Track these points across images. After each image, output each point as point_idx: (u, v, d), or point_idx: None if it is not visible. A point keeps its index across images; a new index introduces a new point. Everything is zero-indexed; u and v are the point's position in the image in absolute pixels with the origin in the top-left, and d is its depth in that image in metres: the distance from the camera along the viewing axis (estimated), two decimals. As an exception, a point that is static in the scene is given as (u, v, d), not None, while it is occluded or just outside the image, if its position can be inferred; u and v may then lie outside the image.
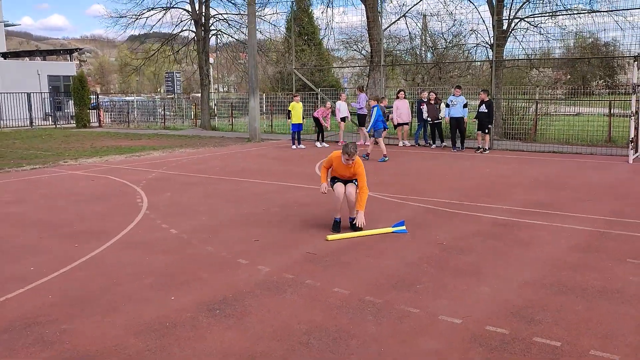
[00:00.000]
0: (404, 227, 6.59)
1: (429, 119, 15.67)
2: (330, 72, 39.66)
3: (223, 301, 4.44)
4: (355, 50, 35.29)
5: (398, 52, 28.77)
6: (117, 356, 3.55)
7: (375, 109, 13.34)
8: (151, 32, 26.15)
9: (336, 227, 6.60)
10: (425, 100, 15.86)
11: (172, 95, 37.44)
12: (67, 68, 37.42)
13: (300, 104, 16.34)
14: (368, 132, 14.72)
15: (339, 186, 6.68)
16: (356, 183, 6.66)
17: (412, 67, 27.14)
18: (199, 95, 46.42)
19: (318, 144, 16.69)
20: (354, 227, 6.55)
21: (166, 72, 40.54)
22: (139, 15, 23.96)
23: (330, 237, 6.29)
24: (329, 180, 6.80)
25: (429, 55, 28.28)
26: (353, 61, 38.43)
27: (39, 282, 4.92)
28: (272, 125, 24.09)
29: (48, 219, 7.39)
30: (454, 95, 15.05)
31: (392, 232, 6.49)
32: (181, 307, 4.32)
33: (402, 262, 5.40)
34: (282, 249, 5.91)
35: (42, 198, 8.88)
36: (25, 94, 27.91)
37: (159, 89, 77.47)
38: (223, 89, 62.54)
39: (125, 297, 4.57)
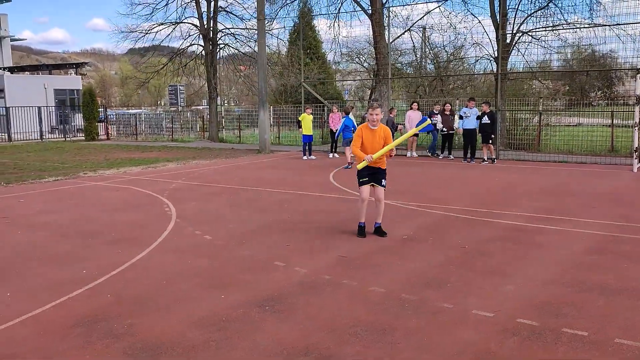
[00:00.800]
0: (428, 122, 7.22)
1: (444, 129, 16.03)
2: (333, 84, 40.17)
3: (271, 299, 4.80)
4: (357, 62, 35.90)
5: (400, 64, 29.30)
6: (183, 346, 3.91)
7: (344, 119, 14.76)
8: (160, 45, 26.68)
9: (361, 232, 6.92)
10: (437, 112, 16.29)
11: (176, 108, 37.93)
12: (73, 82, 37.93)
13: (311, 116, 16.77)
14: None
15: (365, 189, 6.89)
16: (384, 184, 6.94)
17: (415, 79, 27.63)
18: (201, 107, 47.02)
19: (331, 154, 17.11)
20: (378, 232, 6.92)
21: (170, 85, 41.10)
22: (148, 30, 24.46)
23: (360, 165, 6.72)
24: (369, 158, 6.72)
25: (429, 67, 28.82)
26: (356, 73, 39.02)
27: (93, 283, 5.28)
28: (279, 137, 24.51)
29: (85, 227, 7.75)
30: (467, 107, 15.45)
31: (420, 131, 7.13)
32: (233, 305, 4.68)
33: (429, 264, 5.77)
34: (314, 252, 6.27)
35: (73, 208, 9.24)
36: (36, 108, 28.34)
37: (160, 102, 78.12)
38: (224, 101, 63.13)
39: (178, 296, 4.92)
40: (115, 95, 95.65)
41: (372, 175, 6.92)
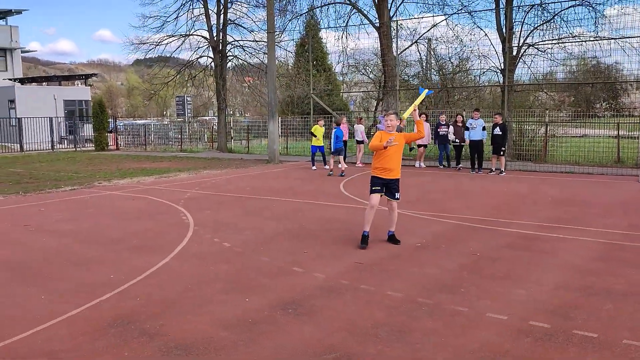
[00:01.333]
0: (425, 92, 7.82)
1: (456, 140, 16.21)
2: (339, 95, 40.53)
3: (292, 302, 5.03)
4: (364, 74, 36.29)
5: (407, 75, 29.63)
6: (213, 346, 4.14)
7: (335, 130, 15.75)
8: (167, 56, 27.11)
9: (364, 241, 6.97)
10: (443, 122, 16.53)
11: (183, 119, 38.36)
12: (82, 93, 38.42)
13: (323, 128, 17.02)
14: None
15: (375, 197, 6.99)
16: (397, 197, 7.12)
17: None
18: (207, 118, 47.48)
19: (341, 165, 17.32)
20: (392, 240, 7.15)
21: (177, 96, 41.59)
22: (158, 42, 24.88)
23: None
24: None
25: (435, 78, 29.11)
26: (362, 84, 39.38)
27: (122, 287, 5.52)
28: (287, 147, 24.80)
29: (107, 234, 8.01)
30: (472, 118, 15.69)
31: (425, 97, 7.83)
32: (257, 307, 4.91)
33: (443, 270, 5.99)
34: (330, 259, 6.51)
35: (92, 216, 9.51)
36: (48, 119, 28.77)
37: (166, 112, 78.79)
38: (230, 111, 63.64)
39: (204, 299, 5.16)
40: (121, 106, 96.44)
41: (386, 186, 7.04)
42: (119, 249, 7.14)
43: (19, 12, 43.17)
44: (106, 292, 5.35)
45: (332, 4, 22.24)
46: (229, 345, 4.16)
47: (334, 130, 15.93)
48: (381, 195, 7.07)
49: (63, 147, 29.67)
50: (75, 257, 6.75)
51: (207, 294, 5.30)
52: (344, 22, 22.34)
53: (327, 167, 16.55)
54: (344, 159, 17.47)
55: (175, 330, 4.44)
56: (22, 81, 39.49)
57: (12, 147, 28.21)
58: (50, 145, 28.44)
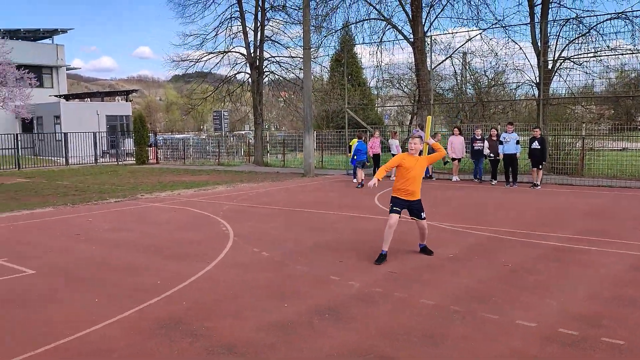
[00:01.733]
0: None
1: (491, 155, 16.18)
2: (373, 109, 40.78)
3: (329, 308, 5.29)
4: (398, 88, 36.50)
5: (441, 89, 29.70)
6: (256, 347, 4.43)
7: (357, 144, 16.45)
8: (204, 72, 27.90)
9: (381, 259, 6.98)
10: (478, 137, 16.58)
11: (220, 133, 39.21)
12: (123, 108, 39.74)
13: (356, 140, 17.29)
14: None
15: (395, 217, 7.05)
16: (424, 217, 7.24)
17: (456, 104, 27.93)
18: (243, 132, 48.30)
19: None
20: (425, 252, 7.35)
21: (214, 111, 42.59)
22: (198, 59, 25.67)
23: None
24: (380, 180, 6.93)
25: (470, 92, 29.07)
26: (396, 98, 39.59)
27: (168, 292, 5.88)
28: (322, 161, 25.14)
29: (152, 243, 8.43)
30: (506, 132, 15.71)
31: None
32: (296, 313, 5.19)
33: (475, 280, 6.16)
34: (365, 268, 6.74)
35: (137, 226, 9.98)
36: (92, 134, 29.89)
37: (202, 127, 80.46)
38: (266, 125, 64.56)
39: (246, 304, 5.46)
40: (160, 121, 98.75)
41: (409, 208, 7.17)
42: (164, 257, 7.53)
43: (64, 31, 45.03)
44: (154, 297, 5.71)
45: (367, 20, 22.60)
46: (271, 346, 4.43)
47: (355, 144, 16.53)
48: (400, 216, 7.11)
49: (105, 161, 30.74)
50: (124, 264, 7.17)
51: (248, 300, 5.60)
52: (378, 37, 22.65)
53: (354, 180, 16.85)
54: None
55: (219, 332, 4.74)
56: (67, 97, 41.10)
57: (58, 161, 29.38)
58: (93, 159, 29.50)
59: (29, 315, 5.26)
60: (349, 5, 22.64)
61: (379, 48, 22.10)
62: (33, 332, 4.81)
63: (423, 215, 7.26)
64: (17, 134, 27.39)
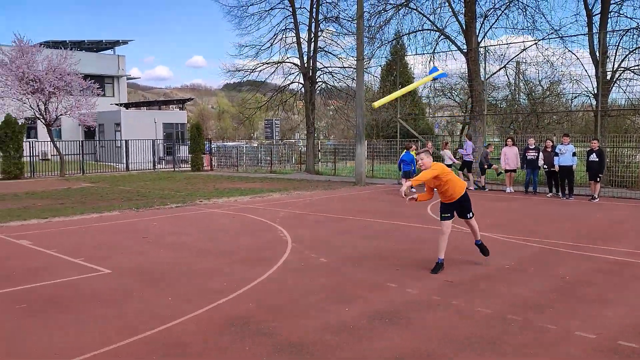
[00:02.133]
0: (441, 71, 7.40)
1: (545, 166, 15.99)
2: (424, 119, 40.63)
3: (389, 313, 5.51)
4: (449, 97, 36.32)
5: (494, 99, 29.40)
6: (321, 346, 4.70)
7: (404, 154, 16.79)
8: (256, 81, 28.64)
9: (438, 268, 7.09)
10: (532, 146, 16.41)
11: (271, 141, 39.96)
12: (179, 116, 41.12)
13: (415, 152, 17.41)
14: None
15: (448, 224, 7.19)
16: (470, 216, 7.34)
17: (509, 115, 27.63)
18: (293, 141, 48.98)
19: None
20: (482, 248, 7.49)
21: (266, 119, 43.47)
22: (253, 69, 26.40)
23: (376, 103, 7.42)
24: (412, 189, 7.29)
25: (523, 102, 28.67)
26: (447, 108, 39.38)
27: (235, 293, 6.23)
28: (372, 170, 25.32)
29: (215, 247, 8.86)
30: (562, 143, 15.49)
31: (433, 79, 7.53)
32: (356, 316, 5.43)
33: (532, 291, 6.25)
34: (422, 276, 6.92)
35: (199, 231, 10.47)
36: (150, 141, 31.11)
37: (252, 135, 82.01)
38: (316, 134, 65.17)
39: (308, 306, 5.75)
40: (212, 128, 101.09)
41: (458, 208, 7.30)
42: (227, 260, 7.93)
43: (125, 42, 47.02)
44: (222, 297, 6.08)
45: (420, 31, 22.72)
46: (335, 346, 4.69)
47: (402, 154, 17.06)
48: (451, 222, 7.26)
49: (161, 167, 31.89)
50: (191, 266, 7.59)
51: (311, 303, 5.89)
52: (431, 48, 22.71)
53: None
54: None
55: (286, 331, 5.04)
56: (127, 106, 42.85)
57: (117, 166, 30.69)
58: (151, 165, 30.65)
59: (112, 310, 5.71)
60: (403, 16, 22.79)
61: (432, 58, 22.14)
62: (117, 325, 5.24)
63: (470, 215, 7.35)
64: (81, 141, 28.80)
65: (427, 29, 22.68)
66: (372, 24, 22.81)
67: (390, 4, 22.41)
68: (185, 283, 6.73)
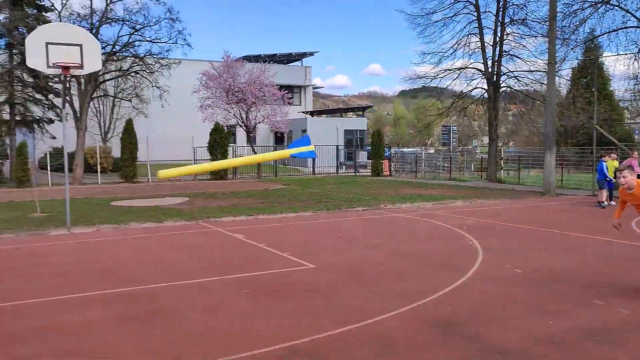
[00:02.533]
0: (312, 148, 6.15)
1: None
2: (621, 125, 36.89)
3: (600, 331, 5.29)
4: (655, 101, 32.48)
5: None
6: (529, 355, 4.71)
7: (599, 163, 16.10)
8: (432, 86, 28.54)
9: None
10: None
11: (447, 148, 39.39)
12: (359, 123, 42.57)
13: (615, 162, 16.06)
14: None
15: None
16: None
17: None
18: (470, 147, 47.69)
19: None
20: None
21: (442, 125, 42.98)
22: (435, 76, 26.41)
23: (161, 173, 6.01)
24: (619, 220, 6.99)
25: None
26: (650, 113, 35.32)
27: (432, 297, 6.47)
28: (561, 180, 23.73)
29: (406, 250, 9.19)
30: None
31: (291, 156, 6.48)
32: (563, 330, 5.30)
33: None
34: (632, 296, 6.47)
35: (388, 234, 10.90)
36: (335, 147, 32.78)
37: (427, 141, 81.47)
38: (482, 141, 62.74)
39: (509, 315, 5.76)
40: (387, 134, 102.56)
41: None
42: (423, 264, 8.20)
43: (311, 54, 49.95)
44: (420, 299, 6.35)
45: (623, 29, 20.79)
46: (544, 356, 4.68)
47: (598, 164, 16.45)
48: None
49: (342, 171, 33.35)
50: (389, 267, 8.01)
51: (511, 312, 5.90)
52: (637, 47, 20.65)
53: (605, 203, 15.66)
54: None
55: (490, 337, 5.14)
56: (312, 113, 45.53)
57: (304, 170, 32.78)
58: (334, 169, 32.22)
59: (321, 301, 6.32)
60: (602, 14, 21.03)
61: (637, 58, 20.11)
62: (328, 315, 5.80)
63: None
64: (274, 146, 31.36)
65: (632, 27, 20.65)
66: (566, 25, 21.42)
67: (588, 1, 20.85)
68: (383, 282, 7.14)
